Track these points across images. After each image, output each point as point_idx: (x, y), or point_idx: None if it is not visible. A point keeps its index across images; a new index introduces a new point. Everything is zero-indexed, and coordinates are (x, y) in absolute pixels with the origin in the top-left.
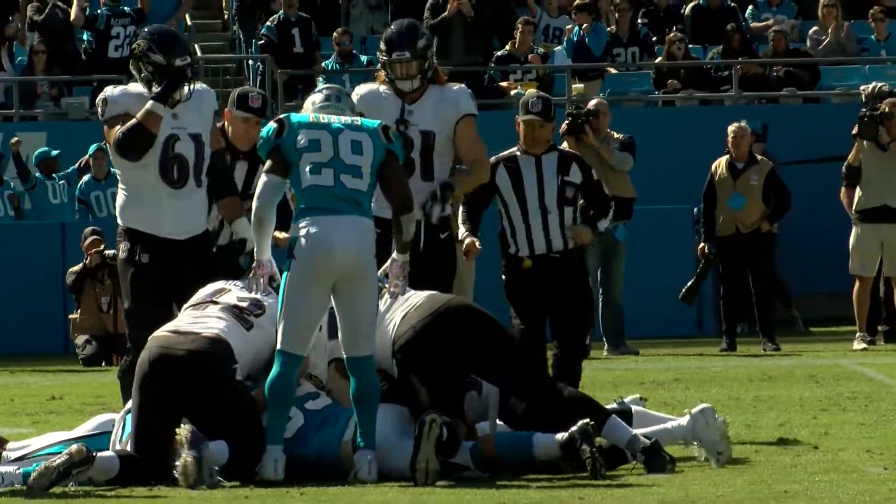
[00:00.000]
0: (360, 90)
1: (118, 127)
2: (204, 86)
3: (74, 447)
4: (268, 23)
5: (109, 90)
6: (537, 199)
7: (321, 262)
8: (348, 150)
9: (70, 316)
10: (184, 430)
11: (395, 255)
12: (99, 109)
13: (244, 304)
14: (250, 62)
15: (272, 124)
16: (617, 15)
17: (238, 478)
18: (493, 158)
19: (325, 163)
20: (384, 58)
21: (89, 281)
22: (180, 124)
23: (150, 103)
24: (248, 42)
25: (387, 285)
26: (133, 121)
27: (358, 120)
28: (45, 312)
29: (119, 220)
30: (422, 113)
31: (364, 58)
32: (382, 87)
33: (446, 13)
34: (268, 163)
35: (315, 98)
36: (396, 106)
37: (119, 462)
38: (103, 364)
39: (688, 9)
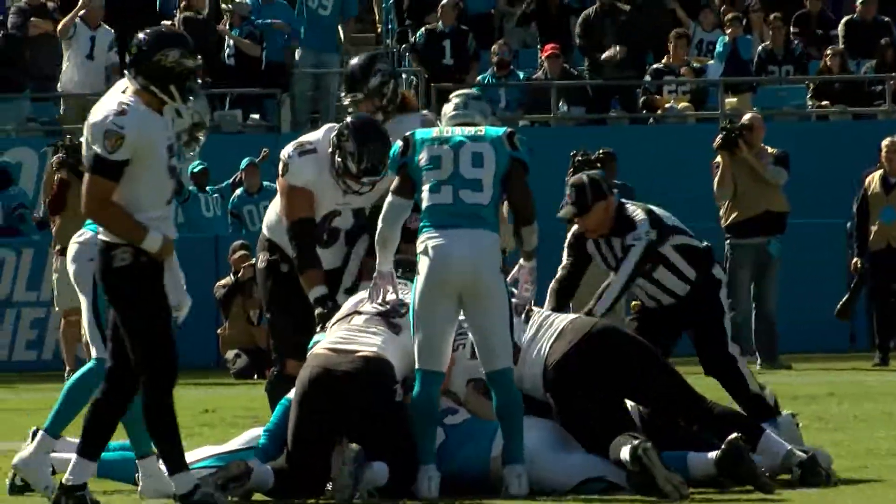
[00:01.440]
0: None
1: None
2: None
3: (233, 462)
4: (420, 30)
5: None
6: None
7: (440, 277)
8: (468, 163)
9: (218, 330)
10: (351, 449)
11: (521, 261)
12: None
13: (387, 308)
14: (403, 75)
15: (399, 142)
16: (771, 32)
17: (392, 497)
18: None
19: (444, 180)
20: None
21: (238, 294)
22: None
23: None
24: (402, 55)
25: (515, 293)
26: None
27: (482, 129)
28: (198, 326)
29: (265, 231)
30: None
31: (520, 73)
32: None
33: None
34: (395, 182)
35: (446, 109)
36: None
37: (274, 476)
38: (255, 377)
39: (841, 23)
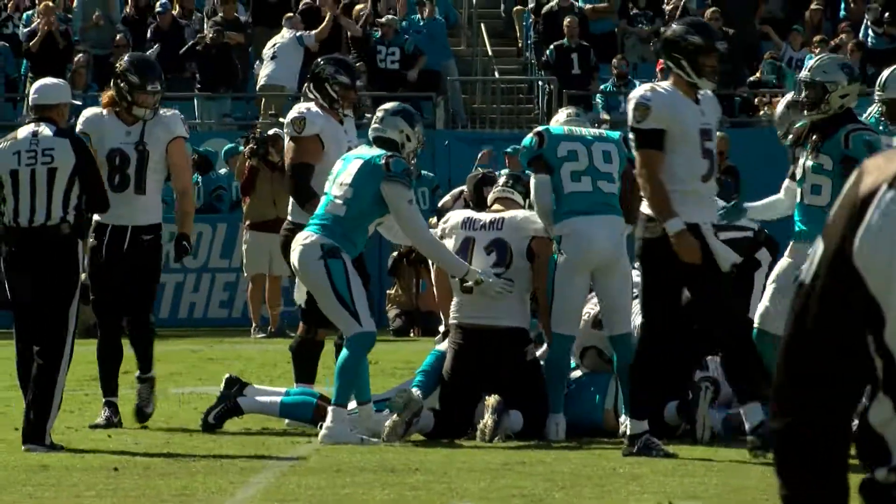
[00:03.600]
0: (86, 113)
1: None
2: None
3: (412, 401)
4: (551, 47)
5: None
6: None
7: (583, 256)
8: (601, 159)
9: (388, 291)
10: (493, 399)
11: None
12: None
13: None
14: (539, 83)
15: (532, 136)
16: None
17: (526, 439)
18: None
19: (582, 171)
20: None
21: (405, 263)
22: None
23: None
24: (538, 66)
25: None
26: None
27: (603, 132)
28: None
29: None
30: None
31: (636, 81)
32: (105, 111)
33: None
34: (534, 168)
35: (560, 116)
36: (121, 128)
37: (433, 418)
38: (411, 334)
39: None
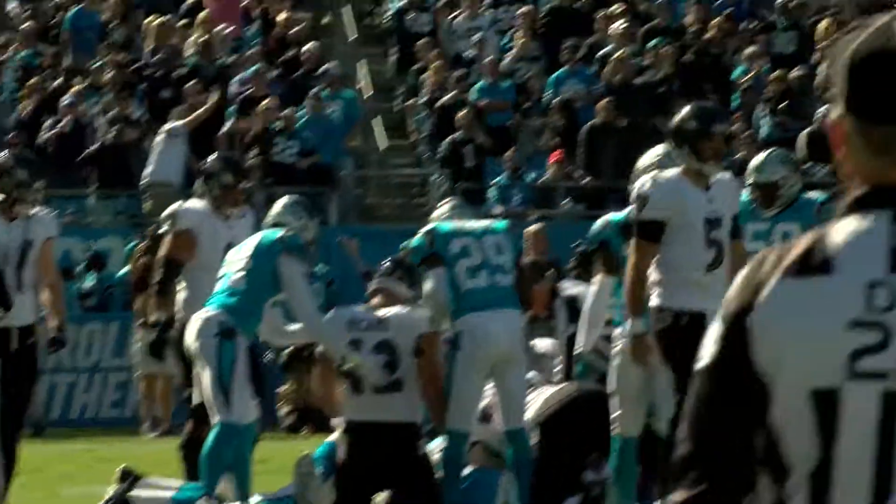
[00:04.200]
0: None
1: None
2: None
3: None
4: (446, 140)
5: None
6: None
7: (482, 352)
8: (494, 251)
9: (279, 389)
10: (382, 496)
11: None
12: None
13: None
14: (433, 177)
15: (422, 235)
16: None
17: None
18: None
19: (478, 265)
20: None
21: (299, 359)
22: None
23: None
24: (431, 159)
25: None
26: None
27: (490, 223)
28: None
29: None
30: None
31: (531, 174)
32: None
33: None
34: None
35: (443, 209)
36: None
37: None
38: (303, 431)
39: None
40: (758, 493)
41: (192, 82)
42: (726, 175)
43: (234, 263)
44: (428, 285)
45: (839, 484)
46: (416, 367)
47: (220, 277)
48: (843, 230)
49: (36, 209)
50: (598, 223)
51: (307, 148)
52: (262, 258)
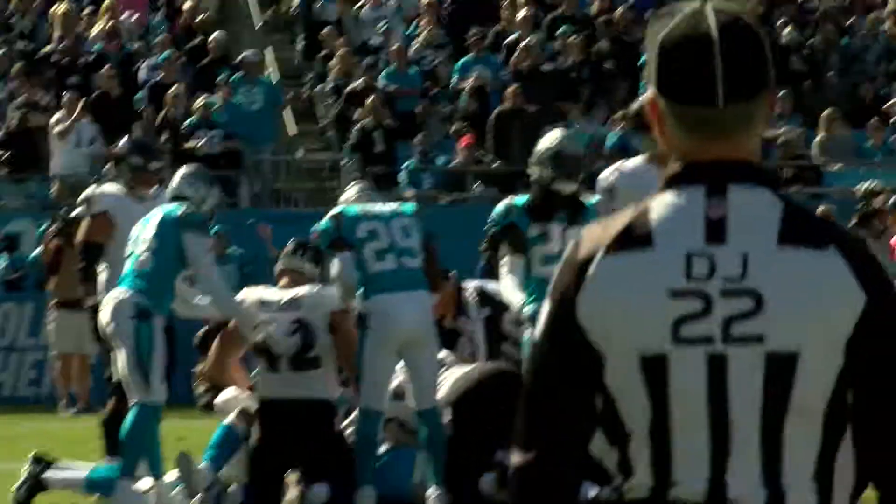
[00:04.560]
0: None
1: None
2: None
3: (196, 472)
4: (356, 126)
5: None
6: None
7: (391, 332)
8: (401, 234)
9: (195, 368)
10: (293, 476)
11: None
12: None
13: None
14: (342, 161)
15: (329, 219)
16: None
17: None
18: None
19: (386, 248)
20: None
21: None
22: None
23: None
24: (340, 144)
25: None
26: None
27: (398, 206)
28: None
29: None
30: None
31: (439, 158)
32: None
33: None
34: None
35: (350, 193)
36: None
37: (243, 493)
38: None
39: None
40: (603, 458)
41: (104, 68)
42: None
43: (140, 243)
44: (335, 269)
45: (678, 445)
46: (332, 343)
47: (128, 256)
48: (661, 204)
49: None
50: (502, 206)
51: (228, 135)
52: (166, 236)
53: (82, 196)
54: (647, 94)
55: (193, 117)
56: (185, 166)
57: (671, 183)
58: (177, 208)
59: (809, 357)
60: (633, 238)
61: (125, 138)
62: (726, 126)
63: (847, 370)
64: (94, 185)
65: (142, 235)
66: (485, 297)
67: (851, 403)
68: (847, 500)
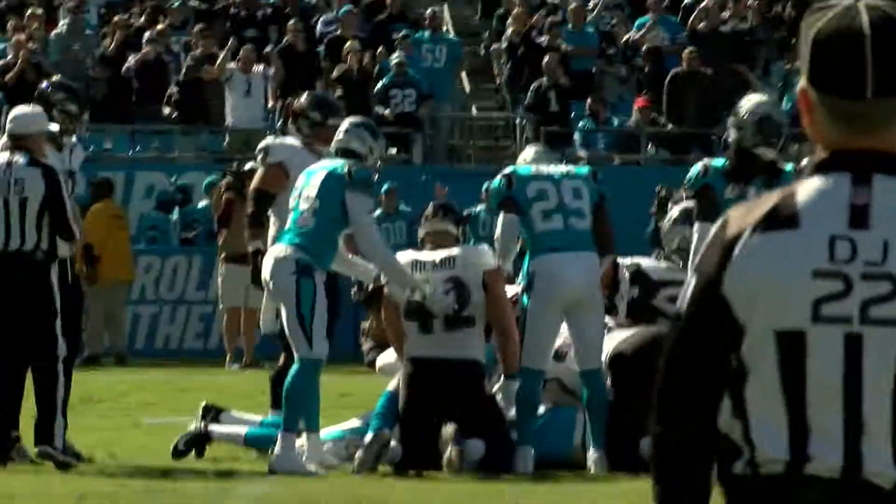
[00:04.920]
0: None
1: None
2: None
3: (383, 434)
4: (532, 85)
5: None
6: None
7: (556, 293)
8: (570, 195)
9: (363, 324)
10: (450, 428)
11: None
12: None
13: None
14: (517, 120)
15: (501, 178)
16: None
17: (491, 470)
18: None
19: (553, 209)
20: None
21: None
22: None
23: None
24: (514, 103)
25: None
26: None
27: (571, 169)
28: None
29: None
30: None
31: (614, 119)
32: None
33: None
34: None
35: (527, 154)
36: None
37: (402, 450)
38: None
39: None
40: (723, 418)
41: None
42: None
43: (303, 199)
44: (498, 228)
45: (814, 421)
46: (484, 302)
47: (292, 210)
48: (807, 189)
49: (73, 140)
50: (698, 167)
51: (424, 93)
52: (329, 194)
53: (260, 145)
54: (801, 83)
55: (388, 76)
56: (350, 118)
57: (818, 169)
58: (342, 166)
59: None
60: (780, 219)
61: (304, 94)
62: (873, 119)
63: None
64: (272, 136)
65: (305, 192)
66: (637, 276)
67: None
68: None
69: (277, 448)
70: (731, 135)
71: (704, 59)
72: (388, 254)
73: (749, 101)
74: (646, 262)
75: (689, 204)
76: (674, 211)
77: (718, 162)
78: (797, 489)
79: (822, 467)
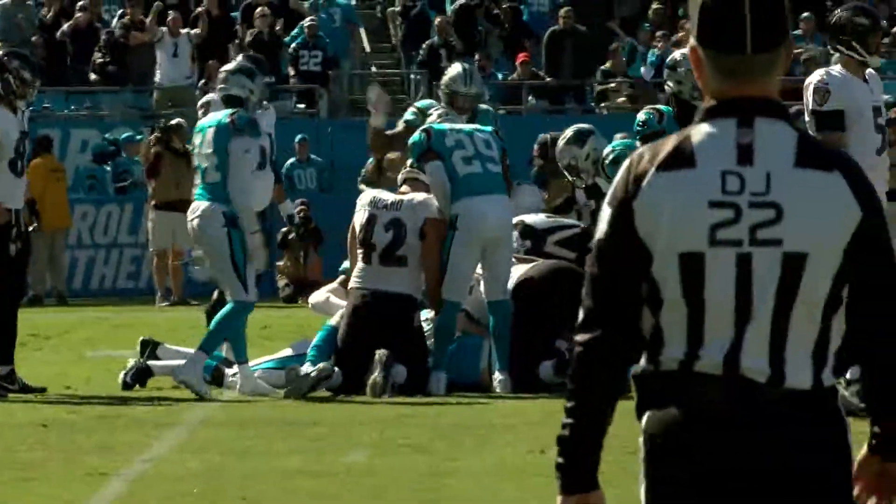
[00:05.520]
0: None
1: None
2: None
3: (322, 364)
4: (423, 45)
5: None
6: None
7: (477, 232)
8: (483, 145)
9: (277, 263)
10: (381, 352)
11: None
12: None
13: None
14: (412, 76)
15: (420, 133)
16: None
17: (410, 393)
18: None
19: (472, 156)
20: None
21: (294, 237)
22: None
23: None
24: (408, 61)
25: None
26: None
27: (476, 126)
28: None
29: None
30: None
31: (499, 74)
32: None
33: None
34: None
35: (432, 116)
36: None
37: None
38: (298, 301)
39: None
40: (645, 325)
41: None
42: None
43: (203, 158)
44: (429, 177)
45: (708, 327)
46: (420, 247)
47: (196, 168)
48: (700, 132)
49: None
50: (650, 114)
51: (328, 56)
52: (222, 147)
53: (202, 101)
54: (690, 42)
55: (300, 38)
56: (226, 66)
57: (708, 115)
58: (224, 117)
59: (816, 258)
60: (679, 159)
61: (239, 58)
62: (753, 70)
63: (843, 271)
64: (211, 94)
65: (201, 150)
66: (526, 230)
67: (846, 298)
68: (833, 377)
69: (186, 361)
70: (671, 88)
71: (579, 18)
72: (247, 188)
73: (686, 57)
74: (528, 218)
75: (582, 126)
76: (567, 131)
77: (666, 108)
78: (687, 383)
79: (706, 364)
